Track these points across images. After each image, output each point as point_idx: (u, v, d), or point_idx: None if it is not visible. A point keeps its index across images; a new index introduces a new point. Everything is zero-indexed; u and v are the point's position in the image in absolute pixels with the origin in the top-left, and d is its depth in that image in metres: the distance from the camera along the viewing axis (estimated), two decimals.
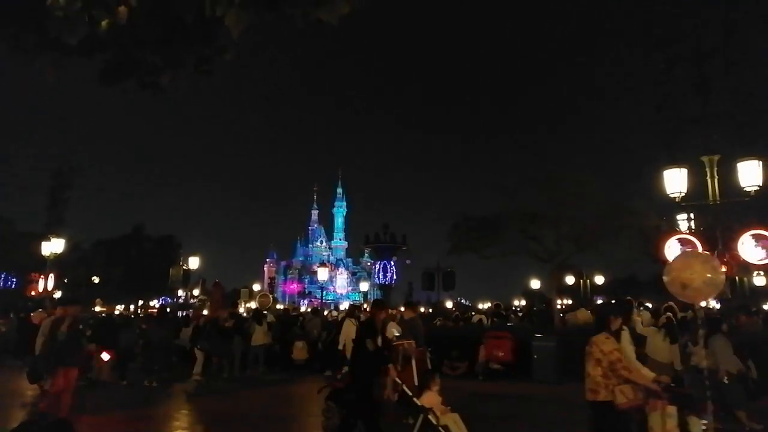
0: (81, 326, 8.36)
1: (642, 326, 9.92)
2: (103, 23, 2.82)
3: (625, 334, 6.33)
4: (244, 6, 2.76)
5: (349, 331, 11.13)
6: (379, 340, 6.88)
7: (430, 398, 6.53)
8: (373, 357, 6.67)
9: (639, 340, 9.69)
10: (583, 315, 15.60)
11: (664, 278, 6.26)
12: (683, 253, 9.15)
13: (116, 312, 25.01)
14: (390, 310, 11.08)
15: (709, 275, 5.84)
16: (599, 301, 32.41)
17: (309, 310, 26.83)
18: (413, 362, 7.88)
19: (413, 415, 6.52)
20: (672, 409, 5.09)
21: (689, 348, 8.42)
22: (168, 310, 20.97)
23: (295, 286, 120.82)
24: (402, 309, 11.64)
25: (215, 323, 13.79)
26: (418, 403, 6.39)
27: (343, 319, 13.05)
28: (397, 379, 6.75)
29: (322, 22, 2.95)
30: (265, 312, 17.22)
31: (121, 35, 2.96)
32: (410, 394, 6.52)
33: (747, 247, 10.65)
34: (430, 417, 6.22)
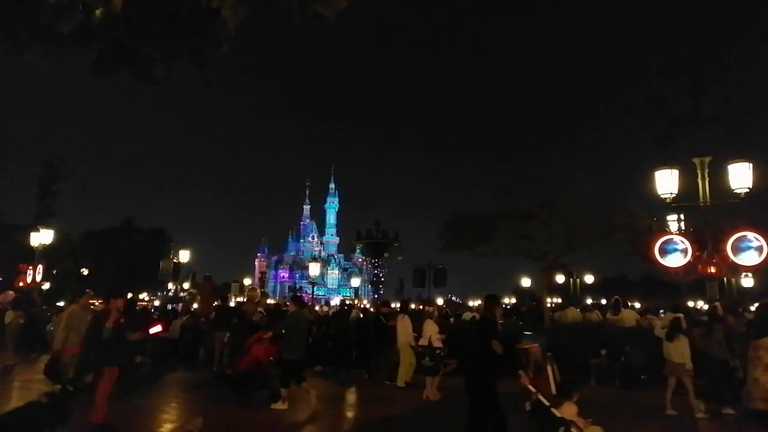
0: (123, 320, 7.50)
1: (659, 329, 10.09)
2: (97, 12, 2.79)
3: None
4: None
5: (406, 328, 11.15)
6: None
7: (569, 409, 5.78)
8: (500, 362, 6.06)
9: (656, 343, 9.86)
10: (573, 313, 15.68)
11: None
12: None
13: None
14: (428, 308, 11.12)
15: None
16: (588, 301, 32.60)
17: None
18: (548, 368, 7.11)
19: (549, 429, 5.72)
20: None
21: None
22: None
23: (286, 275, 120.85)
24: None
25: (243, 317, 13.23)
26: (558, 414, 5.65)
27: (370, 317, 12.94)
28: (531, 387, 6.09)
29: (319, 17, 2.93)
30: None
31: (115, 25, 2.92)
32: (547, 404, 5.82)
33: (736, 249, 10.74)
34: (573, 431, 5.51)
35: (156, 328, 11.46)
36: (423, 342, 10.54)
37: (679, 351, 8.96)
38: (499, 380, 6.21)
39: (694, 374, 8.95)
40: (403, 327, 11.34)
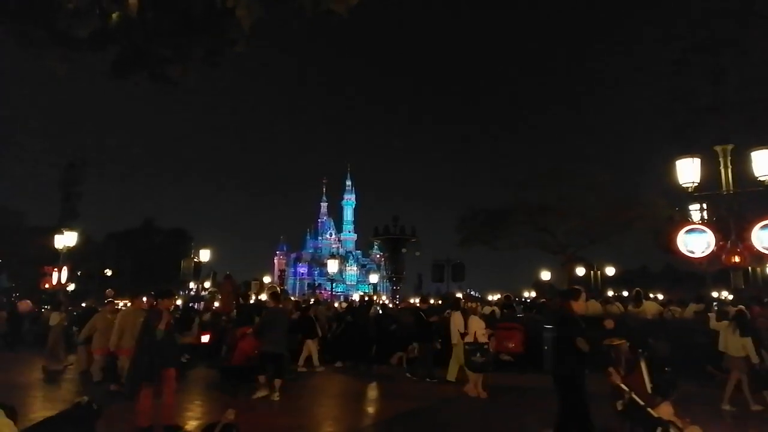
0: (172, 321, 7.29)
1: (715, 321, 9.85)
2: (114, 16, 2.82)
3: None
4: None
5: (459, 324, 10.90)
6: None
7: (667, 409, 5.45)
8: (585, 359, 5.72)
9: (711, 336, 9.61)
10: (593, 306, 15.49)
11: None
12: None
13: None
14: (470, 303, 11.00)
15: None
16: (609, 293, 32.25)
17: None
18: (642, 365, 6.64)
19: (645, 430, 5.43)
20: None
21: None
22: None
23: (305, 272, 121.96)
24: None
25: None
26: (654, 414, 5.34)
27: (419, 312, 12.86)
28: (623, 386, 5.81)
29: (332, 14, 2.93)
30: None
31: (132, 28, 2.96)
32: (642, 404, 5.53)
33: (760, 237, 10.54)
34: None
35: (205, 338, 11.69)
36: (469, 339, 10.29)
37: (741, 345, 8.63)
38: (587, 378, 5.90)
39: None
40: (457, 323, 11.08)
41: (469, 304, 11.04)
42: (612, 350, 6.62)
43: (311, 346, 13.31)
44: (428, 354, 12.17)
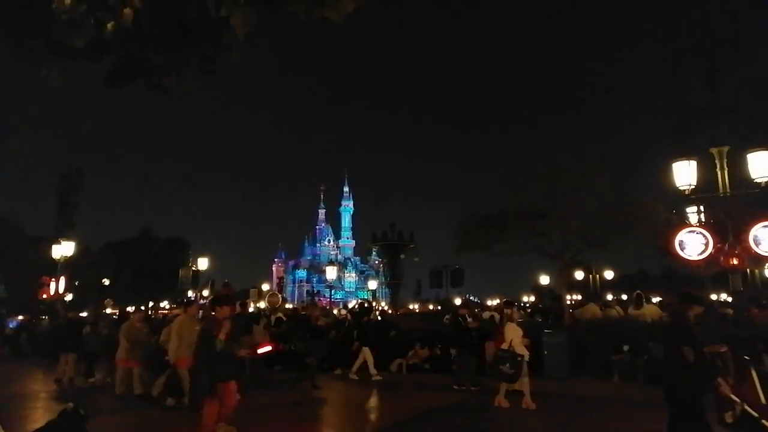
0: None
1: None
2: (109, 25, 2.83)
3: None
4: (250, 6, 2.75)
5: (514, 334, 9.63)
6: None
7: None
8: (694, 370, 5.32)
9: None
10: (593, 309, 15.52)
11: None
12: None
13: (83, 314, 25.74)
14: (506, 310, 10.22)
15: None
16: (609, 297, 32.25)
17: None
18: (753, 374, 6.09)
19: None
20: None
21: None
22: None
23: (304, 279, 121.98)
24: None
25: (308, 322, 12.82)
26: None
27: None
28: (734, 397, 5.49)
29: (327, 21, 2.94)
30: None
31: (127, 37, 2.96)
32: (756, 415, 5.23)
33: (758, 239, 10.54)
34: None
35: (265, 348, 10.83)
36: (504, 346, 9.47)
37: None
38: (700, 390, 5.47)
39: None
40: (512, 334, 9.96)
41: (505, 309, 10.40)
42: (717, 358, 6.10)
43: (367, 354, 12.96)
44: (467, 361, 11.60)
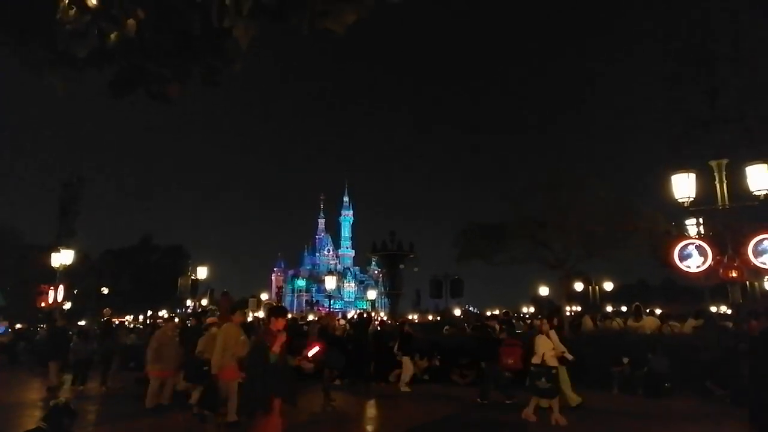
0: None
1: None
2: (112, 36, 2.85)
3: None
4: (252, 17, 2.78)
5: (545, 347, 9.32)
6: None
7: None
8: None
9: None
10: (586, 323, 15.36)
11: None
12: None
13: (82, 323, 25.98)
14: (537, 321, 9.82)
15: None
16: (608, 308, 32.19)
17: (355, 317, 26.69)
18: None
19: None
20: None
21: None
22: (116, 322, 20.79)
23: (303, 289, 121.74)
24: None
25: (325, 332, 12.28)
26: None
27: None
28: None
29: (328, 32, 2.97)
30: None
31: (130, 47, 2.99)
32: None
33: (757, 252, 10.56)
34: None
35: (314, 350, 10.29)
36: (536, 360, 9.21)
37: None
38: None
39: None
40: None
41: (535, 321, 10.11)
42: None
43: (408, 364, 12.91)
44: (495, 374, 11.14)
